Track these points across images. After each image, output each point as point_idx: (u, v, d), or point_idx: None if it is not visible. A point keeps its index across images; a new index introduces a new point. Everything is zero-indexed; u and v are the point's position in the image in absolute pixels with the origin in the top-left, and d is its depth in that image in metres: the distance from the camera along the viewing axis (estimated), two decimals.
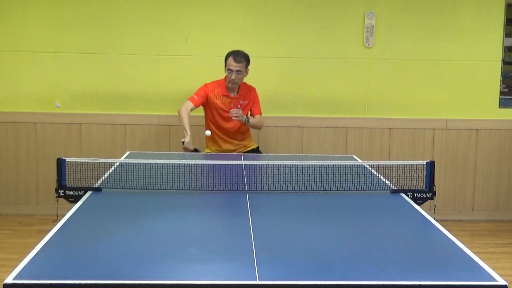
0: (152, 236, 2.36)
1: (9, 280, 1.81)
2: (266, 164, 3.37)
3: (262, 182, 3.14)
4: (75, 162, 3.17)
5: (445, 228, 2.46)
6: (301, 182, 3.16)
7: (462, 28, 5.12)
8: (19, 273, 1.88)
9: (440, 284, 1.86)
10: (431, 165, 3.14)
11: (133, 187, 3.03)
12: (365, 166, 3.68)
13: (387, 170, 3.45)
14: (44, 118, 5.09)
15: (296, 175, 3.29)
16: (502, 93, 5.23)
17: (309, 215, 2.74)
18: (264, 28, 5.06)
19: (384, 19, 5.09)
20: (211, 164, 3.53)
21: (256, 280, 1.87)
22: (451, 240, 2.30)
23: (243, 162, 3.61)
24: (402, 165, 3.28)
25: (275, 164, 3.39)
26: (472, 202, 5.35)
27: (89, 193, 2.98)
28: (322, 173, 3.28)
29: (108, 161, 3.41)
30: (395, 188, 3.16)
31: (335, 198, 3.01)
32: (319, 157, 4.35)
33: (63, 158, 3.11)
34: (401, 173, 3.23)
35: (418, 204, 2.96)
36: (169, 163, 3.27)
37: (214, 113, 4.47)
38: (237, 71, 4.35)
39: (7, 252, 4.28)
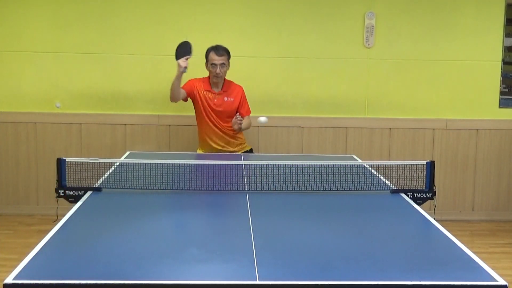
0: (152, 236, 2.36)
1: (9, 280, 1.82)
2: (266, 164, 3.37)
3: (262, 182, 3.14)
4: (75, 162, 3.17)
5: (445, 228, 2.46)
6: (301, 182, 3.16)
7: (462, 28, 5.12)
8: (19, 273, 1.88)
9: (440, 284, 1.86)
10: (431, 165, 3.14)
11: (133, 187, 3.03)
12: (365, 166, 3.68)
13: (387, 170, 3.45)
14: (44, 118, 5.09)
15: (296, 175, 3.29)
16: (502, 93, 5.23)
17: (309, 215, 2.74)
18: (264, 28, 5.07)
19: (384, 19, 5.09)
20: (211, 164, 3.53)
21: (256, 280, 1.87)
22: (451, 240, 2.30)
23: (243, 162, 3.61)
24: (402, 165, 3.28)
25: (275, 164, 3.39)
26: (472, 202, 5.35)
27: (89, 193, 2.98)
28: (322, 173, 3.28)
29: (108, 161, 3.41)
30: (395, 188, 3.16)
31: (335, 198, 3.01)
32: (319, 157, 4.35)
33: (63, 158, 3.11)
34: (401, 173, 3.23)
35: (418, 204, 2.96)
36: (169, 163, 3.27)
37: (202, 109, 4.48)
38: (221, 64, 4.39)
39: (7, 252, 4.28)
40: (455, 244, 2.26)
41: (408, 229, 2.60)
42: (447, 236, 2.36)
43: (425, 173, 3.15)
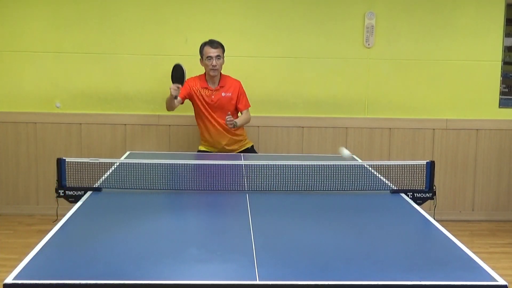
0: (152, 236, 2.36)
1: (9, 280, 1.82)
2: (266, 164, 3.37)
3: (262, 182, 3.14)
4: (75, 162, 3.17)
5: (445, 228, 2.46)
6: (301, 182, 3.16)
7: (462, 28, 5.12)
8: (19, 273, 1.88)
9: (440, 284, 1.86)
10: (431, 165, 3.14)
11: (133, 187, 3.03)
12: (365, 166, 3.68)
13: (387, 170, 3.45)
14: (44, 118, 5.09)
15: (296, 175, 3.28)
16: (502, 93, 5.23)
17: (309, 215, 2.74)
18: (264, 28, 5.06)
19: (384, 19, 5.09)
20: (211, 164, 3.53)
21: (256, 280, 1.87)
22: (451, 240, 2.30)
23: (243, 162, 3.61)
24: (402, 165, 3.28)
25: (275, 164, 3.39)
26: (472, 202, 5.35)
27: (89, 193, 2.98)
28: (322, 173, 3.28)
29: (108, 161, 3.41)
30: (395, 188, 3.16)
31: (335, 198, 3.01)
32: (319, 157, 4.35)
33: (63, 158, 3.11)
34: (401, 173, 3.23)
35: (418, 204, 2.96)
36: (169, 163, 3.27)
37: (200, 107, 4.49)
38: (217, 56, 4.41)
39: (7, 252, 4.28)
40: (455, 244, 2.26)
41: (408, 229, 2.60)
42: (447, 236, 2.36)
43: (425, 173, 3.15)
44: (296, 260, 2.08)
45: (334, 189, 3.10)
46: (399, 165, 3.29)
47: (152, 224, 2.51)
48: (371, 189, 3.15)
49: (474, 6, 5.09)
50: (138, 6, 5.01)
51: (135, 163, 3.43)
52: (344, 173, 3.29)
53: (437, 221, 2.59)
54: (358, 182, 3.22)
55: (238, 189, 3.09)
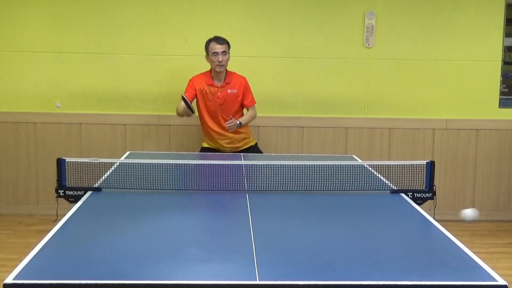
0: (152, 236, 2.36)
1: (9, 280, 1.81)
2: (266, 164, 3.37)
3: (262, 182, 3.14)
4: (75, 162, 3.17)
5: (445, 228, 2.46)
6: (301, 182, 3.16)
7: (462, 28, 5.12)
8: (19, 273, 1.88)
9: (440, 284, 1.86)
10: (431, 165, 3.14)
11: (133, 187, 3.03)
12: (365, 166, 3.68)
13: (387, 170, 3.45)
14: (44, 118, 5.09)
15: (296, 175, 3.28)
16: (502, 93, 5.23)
17: (309, 215, 2.74)
18: (264, 28, 5.06)
19: (384, 19, 5.09)
20: (211, 164, 3.53)
21: (256, 280, 1.87)
22: (451, 240, 2.30)
23: (243, 162, 3.61)
24: (402, 165, 3.28)
25: (275, 164, 3.39)
26: (472, 202, 5.34)
27: (89, 193, 2.98)
28: (322, 173, 3.28)
29: (108, 161, 3.41)
30: (395, 188, 3.16)
31: (335, 198, 3.01)
32: (319, 157, 4.35)
33: (63, 158, 3.11)
34: (401, 173, 3.23)
35: (418, 204, 2.96)
36: (169, 163, 3.27)
37: (206, 104, 4.48)
38: (223, 52, 4.41)
39: (7, 252, 4.28)
40: (455, 244, 2.26)
41: (408, 229, 2.60)
42: (447, 236, 2.36)
43: (425, 173, 3.15)
44: (296, 260, 2.08)
45: (334, 189, 3.10)
46: (399, 165, 3.29)
47: (152, 224, 2.51)
48: (371, 189, 3.15)
49: (474, 6, 5.09)
50: (138, 6, 5.01)
51: (135, 163, 3.43)
52: (344, 173, 3.29)
53: (437, 221, 2.59)
54: (358, 182, 3.22)
55: (238, 189, 3.09)
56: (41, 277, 1.85)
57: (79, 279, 1.82)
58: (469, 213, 3.52)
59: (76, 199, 2.96)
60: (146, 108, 5.12)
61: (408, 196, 3.05)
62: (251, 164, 3.57)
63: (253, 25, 5.06)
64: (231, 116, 4.42)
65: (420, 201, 3.06)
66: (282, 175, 3.26)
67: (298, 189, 3.09)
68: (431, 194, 3.10)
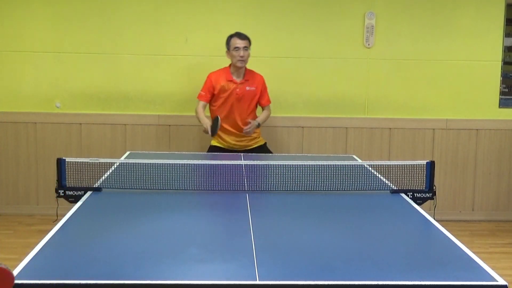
0: (152, 236, 2.36)
1: None
2: (266, 164, 3.37)
3: (262, 182, 3.14)
4: (75, 162, 3.17)
5: (445, 228, 2.46)
6: (301, 182, 3.16)
7: (462, 28, 5.12)
8: (19, 273, 1.88)
9: (440, 284, 1.86)
10: (431, 165, 3.14)
11: (133, 187, 3.03)
12: (365, 166, 3.68)
13: (387, 170, 3.45)
14: (44, 118, 5.09)
15: (296, 175, 3.28)
16: (502, 93, 5.23)
17: (309, 215, 2.74)
18: (264, 28, 5.06)
19: (384, 19, 5.09)
20: (211, 164, 3.53)
21: (256, 280, 1.87)
22: (451, 240, 2.30)
23: (243, 162, 3.61)
24: (402, 165, 3.28)
25: (275, 164, 3.39)
26: (472, 202, 5.35)
27: (89, 193, 2.98)
28: (322, 173, 3.28)
29: (108, 161, 3.41)
30: (395, 188, 3.16)
31: (335, 198, 3.01)
32: (319, 157, 4.35)
33: (63, 158, 3.11)
34: (401, 173, 3.23)
35: (418, 204, 2.96)
36: (169, 163, 3.27)
37: (222, 100, 4.47)
38: (244, 47, 4.41)
39: (7, 252, 4.28)
40: (455, 244, 2.26)
41: (408, 229, 2.60)
42: (447, 236, 2.36)
43: (425, 173, 3.15)
44: (296, 260, 2.08)
45: (334, 189, 3.10)
46: (399, 165, 3.29)
47: (152, 224, 2.51)
48: (371, 189, 3.15)
49: (474, 6, 5.09)
50: (138, 6, 5.01)
51: (135, 163, 3.43)
52: (344, 173, 3.29)
53: (437, 221, 2.59)
54: (358, 182, 3.21)
55: (238, 189, 3.09)
56: (41, 277, 1.85)
57: (79, 279, 1.82)
58: None
59: (76, 199, 2.96)
60: (146, 108, 5.12)
61: (408, 196, 3.05)
62: (251, 164, 3.57)
63: (253, 25, 5.06)
64: (250, 120, 4.44)
65: (420, 201, 3.06)
66: (282, 175, 3.26)
67: (298, 189, 3.09)
68: (431, 194, 3.10)
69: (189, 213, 2.76)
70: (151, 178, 3.12)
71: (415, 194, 3.07)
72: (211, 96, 4.50)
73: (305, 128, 5.17)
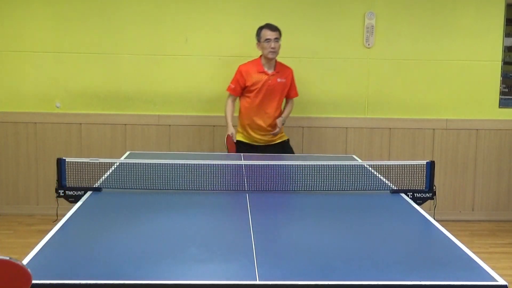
0: (152, 236, 2.36)
1: None
2: (266, 164, 3.37)
3: (262, 182, 3.14)
4: (75, 162, 3.17)
5: (445, 228, 2.46)
6: (301, 182, 3.16)
7: (462, 28, 5.12)
8: None
9: (440, 284, 1.86)
10: (431, 165, 3.13)
11: (133, 187, 3.03)
12: (365, 166, 3.68)
13: (387, 170, 3.45)
14: (44, 118, 5.09)
15: (296, 175, 3.28)
16: (502, 93, 5.23)
17: (309, 215, 2.74)
18: None
19: (384, 19, 5.09)
20: (211, 164, 3.53)
21: (256, 280, 1.87)
22: (451, 240, 2.30)
23: (243, 162, 3.61)
24: (402, 165, 3.28)
25: (275, 164, 3.39)
26: (472, 202, 5.35)
27: (89, 193, 2.98)
28: (322, 173, 3.28)
29: (108, 161, 3.41)
30: (395, 188, 3.16)
31: (335, 198, 3.01)
32: (319, 157, 4.35)
33: (63, 158, 3.11)
34: (401, 173, 3.23)
35: (418, 204, 2.96)
36: (169, 163, 3.27)
37: (253, 92, 4.46)
38: (275, 38, 4.41)
39: (7, 252, 4.28)
40: (455, 244, 2.26)
41: (408, 229, 2.60)
42: (447, 236, 2.36)
43: (425, 173, 3.15)
44: (296, 260, 2.08)
45: (334, 189, 3.10)
46: (399, 165, 3.29)
47: (152, 224, 2.51)
48: (371, 189, 3.15)
49: (474, 6, 5.09)
50: (138, 6, 5.01)
51: (135, 163, 3.43)
52: (344, 173, 3.29)
53: (437, 221, 2.59)
54: (358, 182, 3.21)
55: (238, 189, 3.09)
56: (41, 277, 1.85)
57: (79, 279, 1.82)
58: None
59: (76, 199, 2.96)
60: (146, 108, 5.12)
61: (408, 196, 3.05)
62: (251, 164, 3.57)
63: (253, 25, 5.05)
64: (277, 121, 4.48)
65: (420, 201, 3.06)
66: (282, 175, 3.26)
67: (298, 189, 3.09)
68: (431, 194, 3.10)
69: (189, 213, 2.76)
70: (151, 178, 3.12)
71: (415, 194, 3.07)
72: (242, 89, 4.49)
73: (305, 128, 5.17)
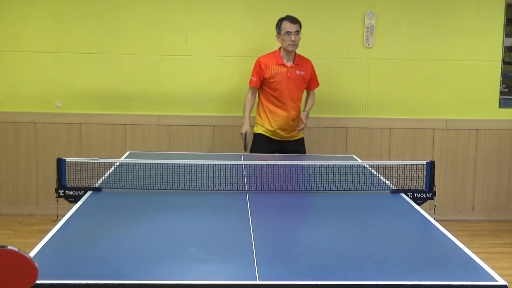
0: (152, 236, 2.36)
1: None
2: (266, 164, 3.37)
3: (262, 182, 3.14)
4: (75, 162, 3.17)
5: (445, 228, 2.46)
6: (301, 182, 3.16)
7: (462, 28, 5.12)
8: None
9: (440, 284, 1.86)
10: (431, 165, 3.14)
11: (133, 187, 3.03)
12: (365, 166, 3.68)
13: (387, 170, 3.45)
14: (44, 118, 5.09)
15: (296, 175, 3.28)
16: (502, 93, 5.23)
17: (309, 215, 2.74)
18: (264, 28, 5.06)
19: (384, 19, 5.09)
20: (211, 164, 3.53)
21: (256, 280, 1.87)
22: (451, 240, 2.30)
23: (243, 162, 3.61)
24: (402, 165, 3.28)
25: (275, 164, 3.39)
26: (472, 202, 5.35)
27: (89, 193, 2.98)
28: (322, 173, 3.28)
29: (108, 161, 3.41)
30: (395, 188, 3.16)
31: (335, 198, 3.01)
32: (319, 157, 4.35)
33: (63, 158, 3.11)
34: (401, 173, 3.23)
35: (418, 204, 2.96)
36: (169, 163, 3.27)
37: (272, 84, 4.45)
38: (296, 31, 4.39)
39: None
40: (455, 244, 2.26)
41: (408, 229, 2.60)
42: (447, 236, 2.36)
43: (425, 173, 3.15)
44: (296, 260, 2.08)
45: (334, 189, 3.10)
46: (399, 165, 3.29)
47: (152, 224, 2.51)
48: (371, 189, 3.15)
49: (474, 6, 5.09)
50: (138, 6, 5.01)
51: (135, 163, 3.43)
52: (344, 173, 3.29)
53: (437, 221, 2.59)
54: (358, 182, 3.21)
55: (238, 189, 3.09)
56: (41, 277, 1.84)
57: (79, 279, 1.82)
58: None
59: (76, 199, 2.96)
60: (146, 108, 5.12)
61: (408, 196, 3.05)
62: (251, 164, 3.57)
63: (253, 25, 5.06)
64: (301, 117, 4.50)
65: (420, 201, 3.06)
66: (282, 175, 3.26)
67: (298, 189, 3.09)
68: (431, 194, 3.10)
69: (189, 213, 2.76)
70: (151, 178, 3.12)
71: (415, 194, 3.07)
72: (261, 81, 4.48)
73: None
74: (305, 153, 4.68)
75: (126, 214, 2.69)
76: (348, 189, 3.11)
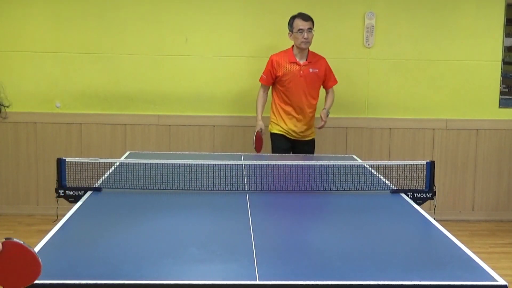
0: (152, 236, 2.36)
1: None
2: (266, 164, 3.37)
3: (262, 182, 3.14)
4: (75, 162, 3.17)
5: (445, 228, 2.46)
6: (301, 182, 3.16)
7: (462, 28, 5.12)
8: None
9: (440, 284, 1.87)
10: (431, 165, 3.14)
11: (133, 187, 3.03)
12: (365, 166, 3.68)
13: (387, 170, 3.45)
14: (44, 118, 5.09)
15: (296, 175, 3.28)
16: (502, 93, 5.23)
17: (309, 215, 2.74)
18: (264, 28, 5.06)
19: (384, 19, 5.08)
20: (211, 164, 3.53)
21: (256, 280, 1.87)
22: (451, 240, 2.30)
23: (243, 162, 3.61)
24: (402, 165, 3.28)
25: (275, 164, 3.39)
26: (472, 202, 5.35)
27: (89, 193, 2.98)
28: (322, 173, 3.28)
29: (108, 161, 3.41)
30: (395, 188, 3.16)
31: (335, 198, 3.01)
32: (319, 157, 4.35)
33: (63, 158, 3.11)
34: (401, 173, 3.23)
35: (418, 204, 2.96)
36: (169, 163, 3.27)
37: (286, 83, 4.44)
38: (308, 29, 4.37)
39: None
40: (455, 244, 2.26)
41: (408, 229, 2.60)
42: (447, 236, 2.36)
43: (425, 173, 3.15)
44: (296, 260, 2.08)
45: (334, 189, 3.10)
46: (399, 165, 3.29)
47: (152, 224, 2.51)
48: (371, 189, 3.15)
49: (474, 6, 5.09)
50: (138, 6, 5.01)
51: (135, 163, 3.43)
52: (344, 173, 3.29)
53: (437, 221, 2.59)
54: (358, 182, 3.21)
55: (238, 189, 3.09)
56: (41, 277, 1.84)
57: (79, 279, 1.82)
58: None
59: (76, 199, 2.96)
60: (146, 108, 5.12)
61: (408, 196, 3.05)
62: (251, 164, 3.57)
63: (253, 25, 5.06)
64: (321, 115, 4.48)
65: (420, 201, 3.06)
66: (282, 175, 3.26)
67: (298, 189, 3.09)
68: (431, 194, 3.10)
69: (189, 213, 2.76)
70: (151, 178, 3.12)
71: (415, 194, 3.08)
72: (273, 79, 4.47)
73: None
74: (313, 154, 4.67)
75: (126, 214, 2.69)
76: (348, 189, 3.11)
